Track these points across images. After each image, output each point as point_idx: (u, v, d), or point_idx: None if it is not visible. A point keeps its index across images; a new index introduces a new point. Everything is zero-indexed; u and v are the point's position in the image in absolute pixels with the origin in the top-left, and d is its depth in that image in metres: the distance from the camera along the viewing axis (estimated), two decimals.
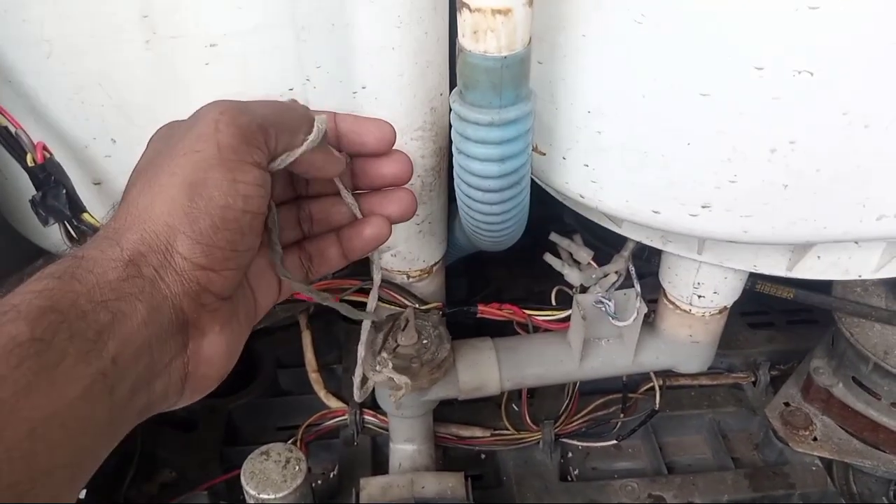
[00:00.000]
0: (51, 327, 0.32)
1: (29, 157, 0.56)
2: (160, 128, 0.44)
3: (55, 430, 0.31)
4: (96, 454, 0.34)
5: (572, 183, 0.64)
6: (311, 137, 0.43)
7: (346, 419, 0.97)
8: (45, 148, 0.57)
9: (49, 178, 0.57)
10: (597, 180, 0.62)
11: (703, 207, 0.59)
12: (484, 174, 0.57)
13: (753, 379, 1.08)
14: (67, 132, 0.64)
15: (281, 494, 0.77)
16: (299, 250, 0.51)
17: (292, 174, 0.48)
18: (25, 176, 0.59)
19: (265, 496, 0.78)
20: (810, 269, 0.70)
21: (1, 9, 0.56)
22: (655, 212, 0.61)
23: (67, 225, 0.58)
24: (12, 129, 0.55)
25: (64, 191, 0.57)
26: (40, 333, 0.31)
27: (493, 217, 0.63)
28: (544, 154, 0.64)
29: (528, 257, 1.21)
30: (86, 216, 0.59)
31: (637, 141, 0.58)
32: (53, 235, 0.64)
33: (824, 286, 0.93)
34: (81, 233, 0.59)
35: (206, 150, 0.37)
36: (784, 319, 1.18)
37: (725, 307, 0.81)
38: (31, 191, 0.60)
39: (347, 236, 0.50)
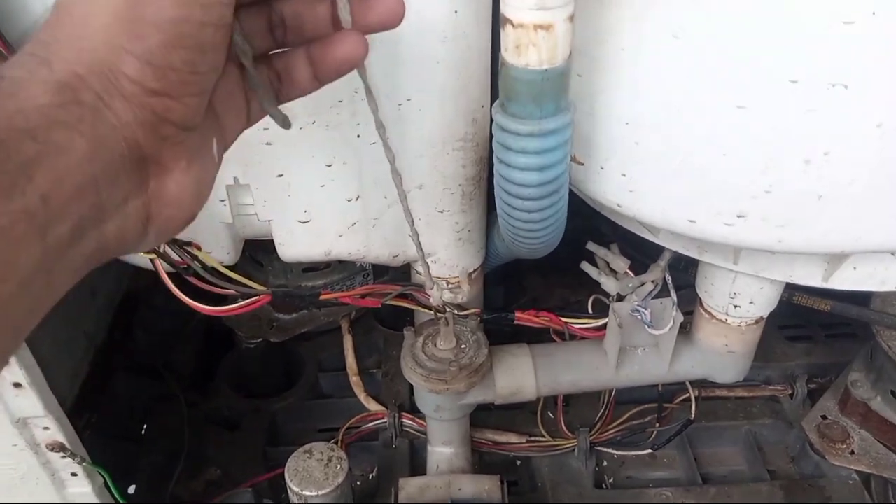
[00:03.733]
0: None
1: None
2: None
3: None
4: (29, 304, 0.29)
5: (610, 192, 0.66)
6: None
7: (385, 422, 1.00)
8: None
9: None
10: (634, 190, 0.63)
11: (739, 217, 0.60)
12: (524, 183, 0.59)
13: (790, 391, 1.08)
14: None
15: (323, 492, 0.80)
16: (268, 67, 0.41)
17: None
18: None
19: (308, 493, 0.80)
20: (846, 280, 0.71)
21: None
22: (691, 221, 0.62)
23: None
24: None
25: None
26: None
27: (531, 225, 0.65)
28: (582, 164, 0.66)
29: (564, 267, 1.23)
30: None
31: (673, 151, 0.59)
32: None
33: (863, 299, 0.94)
34: None
35: None
36: (822, 333, 1.18)
37: (762, 317, 0.82)
38: None
39: (319, 55, 0.41)
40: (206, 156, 0.36)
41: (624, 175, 0.63)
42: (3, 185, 0.27)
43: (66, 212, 0.29)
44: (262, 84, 0.38)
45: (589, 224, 0.95)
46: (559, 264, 1.23)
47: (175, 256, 0.66)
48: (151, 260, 0.65)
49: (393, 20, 0.40)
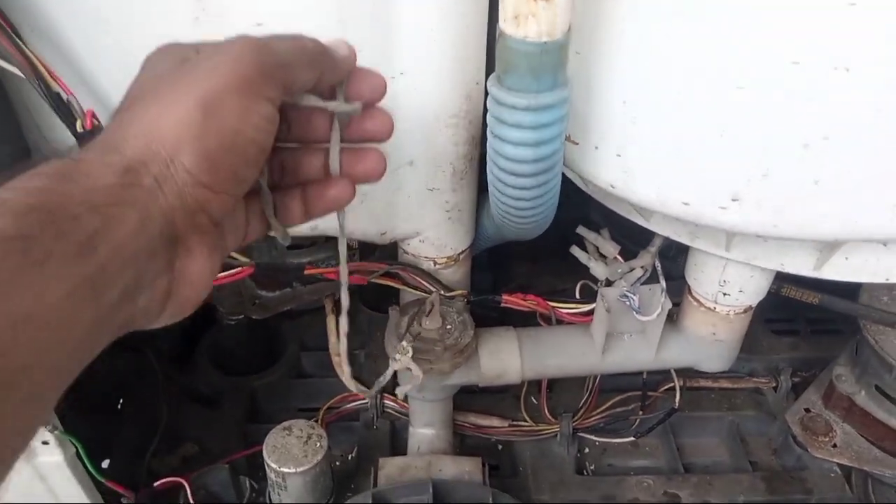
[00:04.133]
0: (38, 225, 0.31)
1: (78, 124, 0.58)
2: (159, 49, 0.43)
3: (37, 328, 0.30)
4: (77, 360, 0.33)
5: (604, 173, 0.65)
6: (340, 104, 0.44)
7: (366, 402, 0.98)
8: (94, 115, 0.58)
9: None
10: (628, 170, 0.62)
11: (734, 200, 0.59)
12: (518, 158, 0.58)
13: (774, 384, 1.08)
14: (115, 104, 0.65)
15: (302, 469, 0.79)
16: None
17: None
18: (71, 143, 0.61)
19: (286, 470, 0.79)
20: (837, 270, 0.70)
21: None
22: (685, 203, 0.61)
23: None
24: (64, 96, 0.57)
25: None
26: (27, 230, 0.31)
27: (523, 203, 0.64)
28: (577, 143, 0.65)
29: (551, 254, 1.23)
30: None
31: (670, 131, 0.58)
32: None
33: (850, 293, 0.93)
34: None
35: (227, 76, 0.37)
36: (808, 328, 1.17)
37: (750, 306, 0.82)
38: None
39: (312, 195, 0.48)
40: (220, 251, 0.42)
41: (619, 155, 0.62)
42: (72, 253, 0.32)
43: (116, 281, 0.34)
44: (269, 202, 0.46)
45: (578, 211, 0.94)
46: (547, 251, 1.23)
47: None
48: None
49: (376, 174, 0.48)
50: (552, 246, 1.23)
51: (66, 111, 0.58)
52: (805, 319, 1.18)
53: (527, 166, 0.58)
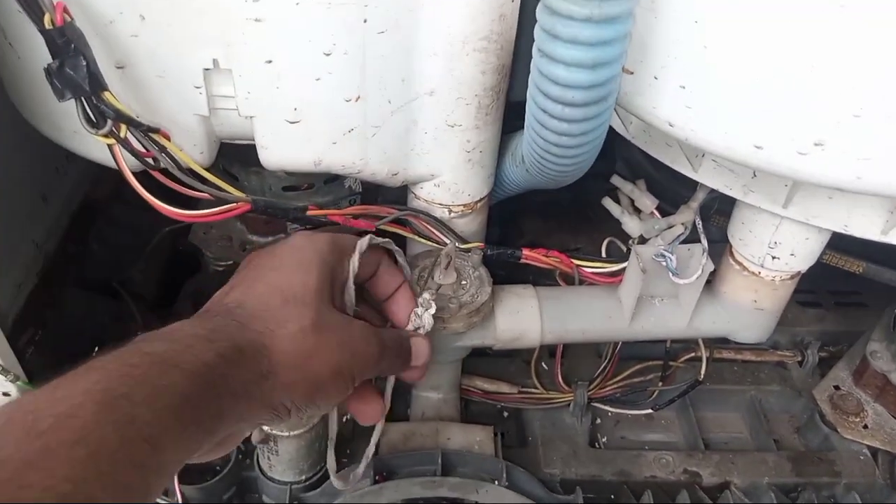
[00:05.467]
0: (206, 399, 0.41)
1: (47, 18, 0.48)
2: (313, 243, 0.55)
3: (172, 472, 0.40)
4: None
5: (661, 108, 0.56)
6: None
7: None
8: (65, 10, 0.49)
9: (69, 45, 0.49)
10: (692, 105, 0.54)
11: (816, 145, 0.51)
12: (570, 83, 0.49)
13: (800, 358, 1.01)
14: (91, 1, 0.56)
15: (296, 433, 0.71)
16: None
17: None
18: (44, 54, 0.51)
19: (279, 433, 0.71)
20: None
21: None
22: (758, 147, 0.53)
23: (86, 103, 0.50)
24: None
25: (84, 62, 0.49)
26: (197, 401, 0.40)
27: (567, 140, 0.55)
28: (632, 73, 0.56)
29: (564, 212, 1.14)
30: (107, 95, 0.51)
31: (750, 60, 0.50)
32: (68, 123, 0.57)
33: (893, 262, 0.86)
34: (101, 114, 0.51)
35: (355, 367, 0.52)
36: (832, 300, 1.10)
37: (799, 272, 0.74)
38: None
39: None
40: (232, 445, 0.51)
41: (683, 87, 0.53)
42: (209, 423, 0.43)
43: (213, 439, 0.43)
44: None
45: (597, 164, 0.86)
46: (559, 208, 1.15)
47: (139, 146, 0.55)
48: (110, 147, 0.53)
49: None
50: (564, 202, 1.16)
51: (31, 2, 0.48)
52: (828, 291, 1.11)
53: (580, 93, 0.49)
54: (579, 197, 1.08)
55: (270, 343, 0.46)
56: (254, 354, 0.45)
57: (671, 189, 0.84)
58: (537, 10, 0.49)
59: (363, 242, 0.57)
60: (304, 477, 0.77)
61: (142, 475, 0.36)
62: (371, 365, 0.52)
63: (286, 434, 0.71)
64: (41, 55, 0.52)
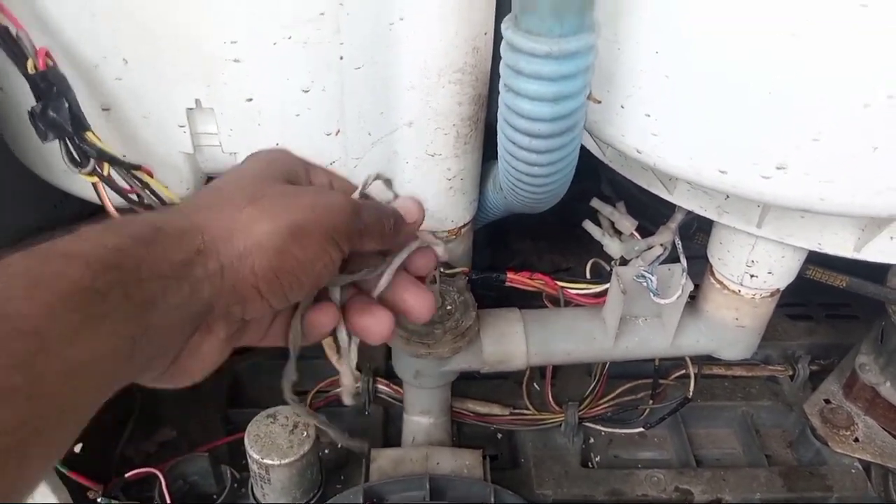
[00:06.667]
0: (110, 284, 0.34)
1: (30, 63, 0.50)
2: (273, 153, 0.47)
3: (83, 377, 0.32)
4: (95, 408, 0.35)
5: (629, 135, 0.57)
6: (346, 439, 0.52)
7: (358, 387, 0.91)
8: (48, 55, 0.51)
9: (51, 88, 0.51)
10: (658, 133, 0.55)
11: (778, 169, 0.52)
12: (534, 116, 0.51)
13: (791, 372, 1.02)
14: (76, 47, 0.58)
15: (287, 461, 0.72)
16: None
17: None
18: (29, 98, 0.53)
19: (270, 461, 0.72)
20: (879, 251, 0.63)
21: None
22: (722, 171, 0.54)
23: (69, 143, 0.52)
24: (13, 30, 0.49)
25: (66, 105, 0.51)
26: (100, 286, 0.33)
27: (537, 169, 0.57)
28: (599, 102, 0.57)
29: (554, 232, 1.16)
30: (89, 135, 0.53)
31: (710, 87, 0.51)
32: (57, 162, 0.59)
33: (877, 276, 0.87)
34: (84, 154, 0.53)
35: (322, 220, 0.42)
36: (823, 313, 1.11)
37: (778, 290, 0.75)
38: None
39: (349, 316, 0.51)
40: (235, 341, 0.44)
41: (648, 115, 0.55)
42: (129, 314, 0.35)
43: (152, 343, 0.37)
44: (298, 328, 0.48)
45: (585, 184, 0.87)
46: (549, 227, 1.17)
47: (123, 183, 0.57)
48: (94, 185, 0.55)
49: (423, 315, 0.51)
50: (554, 222, 1.17)
51: (15, 48, 0.50)
52: (819, 304, 1.12)
53: (544, 125, 0.51)
54: (570, 218, 1.10)
55: (205, 220, 0.40)
56: (179, 233, 0.38)
57: (652, 208, 0.86)
58: (501, 47, 0.50)
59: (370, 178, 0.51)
60: None
61: (33, 375, 0.31)
62: (345, 221, 0.43)
63: (278, 462, 0.73)
64: (29, 98, 0.54)
